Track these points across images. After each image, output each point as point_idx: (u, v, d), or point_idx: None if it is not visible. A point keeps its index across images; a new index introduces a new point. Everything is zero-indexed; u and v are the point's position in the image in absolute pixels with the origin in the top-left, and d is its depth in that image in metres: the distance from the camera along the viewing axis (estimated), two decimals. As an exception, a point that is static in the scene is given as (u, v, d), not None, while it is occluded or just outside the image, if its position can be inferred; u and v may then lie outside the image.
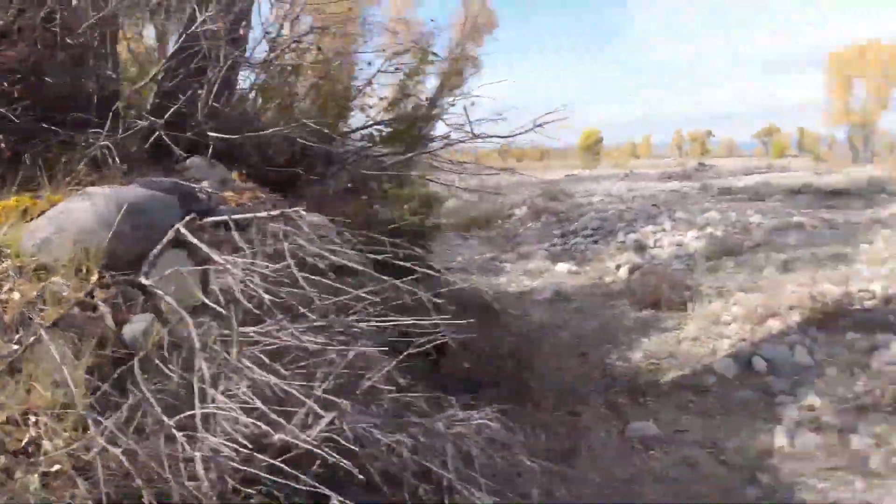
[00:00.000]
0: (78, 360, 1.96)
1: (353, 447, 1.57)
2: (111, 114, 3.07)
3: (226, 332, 1.96)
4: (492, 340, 6.90)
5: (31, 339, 1.99)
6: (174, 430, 1.69)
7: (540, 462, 2.13)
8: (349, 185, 3.99)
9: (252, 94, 3.99)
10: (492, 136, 3.73)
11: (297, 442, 1.53)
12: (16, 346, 2.02)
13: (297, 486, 1.49)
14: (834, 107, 43.44)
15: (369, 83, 4.08)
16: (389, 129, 3.88)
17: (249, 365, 1.76)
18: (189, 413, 1.73)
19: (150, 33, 4.90)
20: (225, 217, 2.50)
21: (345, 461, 1.51)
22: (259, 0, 4.63)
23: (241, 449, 1.56)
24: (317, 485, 1.48)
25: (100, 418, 1.79)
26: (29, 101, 2.94)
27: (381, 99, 4.19)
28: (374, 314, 2.14)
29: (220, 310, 2.03)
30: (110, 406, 1.88)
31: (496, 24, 37.47)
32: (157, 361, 1.98)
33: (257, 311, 1.99)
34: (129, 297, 2.31)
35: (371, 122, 3.80)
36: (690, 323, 6.72)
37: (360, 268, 2.32)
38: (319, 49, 4.22)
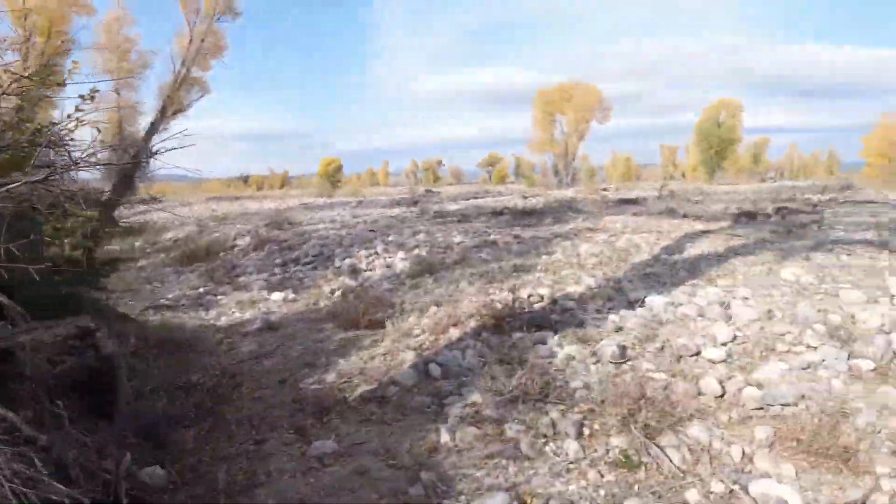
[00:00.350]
0: None
1: None
2: None
3: None
4: (191, 377, 6.63)
5: None
6: None
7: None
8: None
9: None
10: (100, 165, 3.57)
11: None
12: None
13: None
14: (540, 138, 49.87)
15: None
16: (6, 156, 3.52)
17: None
18: None
19: None
20: None
21: None
22: None
23: None
24: None
25: None
26: None
27: (4, 123, 3.79)
28: None
29: None
30: None
31: (225, 48, 36.28)
32: None
33: None
34: None
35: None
36: (387, 339, 7.06)
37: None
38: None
